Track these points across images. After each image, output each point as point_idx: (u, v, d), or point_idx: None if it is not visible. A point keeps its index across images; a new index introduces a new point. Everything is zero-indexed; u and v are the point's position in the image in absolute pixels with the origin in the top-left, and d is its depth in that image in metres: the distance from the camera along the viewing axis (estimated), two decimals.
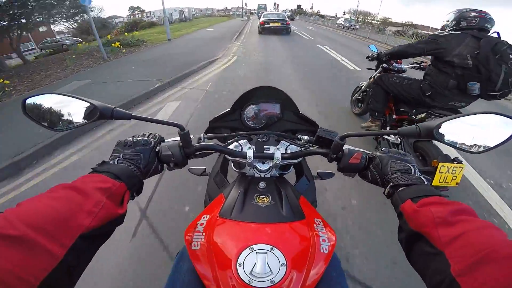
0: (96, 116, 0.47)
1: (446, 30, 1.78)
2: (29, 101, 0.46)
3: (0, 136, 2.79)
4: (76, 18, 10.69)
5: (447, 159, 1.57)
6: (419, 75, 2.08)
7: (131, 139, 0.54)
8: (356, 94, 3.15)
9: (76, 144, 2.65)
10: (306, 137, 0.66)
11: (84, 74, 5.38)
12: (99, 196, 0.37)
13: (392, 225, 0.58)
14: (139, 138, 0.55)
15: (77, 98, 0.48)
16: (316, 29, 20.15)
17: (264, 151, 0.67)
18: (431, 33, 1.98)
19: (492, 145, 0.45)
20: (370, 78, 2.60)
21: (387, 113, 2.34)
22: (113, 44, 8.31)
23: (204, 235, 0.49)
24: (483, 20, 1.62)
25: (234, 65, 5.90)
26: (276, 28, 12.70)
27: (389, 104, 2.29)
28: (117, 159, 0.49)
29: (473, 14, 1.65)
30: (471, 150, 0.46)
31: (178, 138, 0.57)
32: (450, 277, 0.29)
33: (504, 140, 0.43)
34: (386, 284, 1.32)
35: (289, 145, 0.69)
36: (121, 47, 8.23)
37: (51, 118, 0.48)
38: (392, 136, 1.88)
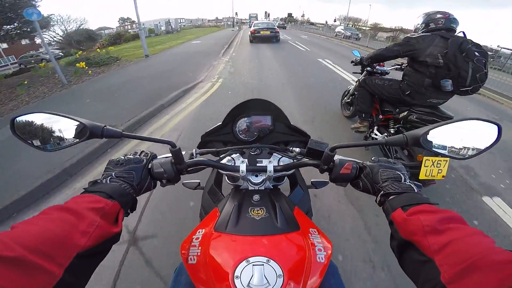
0: (86, 135, 0.47)
1: (418, 32, 1.90)
2: (19, 119, 0.46)
3: None
4: (25, 35, 9.29)
5: (431, 153, 1.42)
6: (401, 76, 2.12)
7: (123, 157, 0.55)
8: (345, 98, 3.25)
9: None
10: (297, 149, 0.68)
11: (30, 108, 4.09)
12: (93, 216, 0.37)
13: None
14: (131, 157, 0.55)
15: (66, 117, 0.47)
16: (310, 37, 19.16)
17: (257, 164, 0.69)
18: None
19: (478, 151, 0.46)
20: (356, 82, 2.71)
21: (373, 113, 2.42)
22: (77, 64, 7.04)
23: (200, 249, 0.49)
24: (448, 21, 1.76)
25: (218, 93, 4.48)
26: (266, 36, 12.91)
27: (375, 105, 2.38)
28: (109, 177, 0.49)
29: (438, 15, 1.80)
30: (458, 156, 0.47)
31: (170, 155, 0.57)
32: (440, 284, 0.30)
33: (490, 145, 0.45)
34: None
35: (281, 157, 0.70)
36: (86, 67, 6.95)
37: (42, 136, 0.47)
38: (379, 134, 2.27)
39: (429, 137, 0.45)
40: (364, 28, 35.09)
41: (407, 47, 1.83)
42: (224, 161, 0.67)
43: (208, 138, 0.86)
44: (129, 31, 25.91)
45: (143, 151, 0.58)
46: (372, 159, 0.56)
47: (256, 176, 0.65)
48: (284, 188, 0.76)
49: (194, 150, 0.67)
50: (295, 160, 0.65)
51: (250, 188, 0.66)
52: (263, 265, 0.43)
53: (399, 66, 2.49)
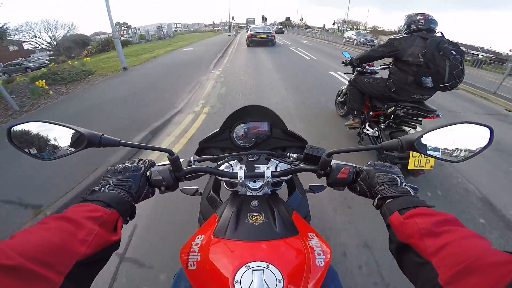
0: (84, 144, 0.47)
1: (401, 34, 2.03)
2: (15, 128, 0.46)
3: None
4: None
5: None
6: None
7: (120, 165, 0.54)
8: (339, 98, 3.38)
9: None
10: (294, 155, 0.69)
11: None
12: (91, 225, 0.37)
13: None
14: (129, 165, 0.55)
15: (63, 125, 0.47)
16: (311, 43, 17.99)
17: (255, 170, 0.70)
18: None
19: (471, 153, 0.46)
20: (348, 81, 2.83)
21: (365, 110, 2.55)
22: (36, 83, 5.76)
23: (200, 254, 0.50)
24: (427, 22, 1.89)
25: (198, 137, 2.90)
26: (262, 40, 13.70)
27: (366, 102, 2.50)
28: (107, 186, 0.48)
29: (418, 17, 1.93)
30: (451, 159, 0.47)
31: (169, 162, 0.57)
32: (438, 286, 0.30)
33: (483, 147, 0.45)
34: None
35: (279, 163, 0.71)
36: (46, 87, 5.68)
37: (39, 145, 0.47)
38: (370, 129, 2.37)
39: (423, 141, 0.46)
40: (364, 31, 34.13)
41: (391, 47, 1.97)
42: (222, 167, 0.69)
43: (206, 145, 0.87)
44: (124, 36, 24.44)
45: (141, 159, 0.59)
46: (369, 163, 0.57)
47: (254, 181, 0.67)
48: (282, 193, 0.77)
49: (192, 157, 0.68)
50: (292, 166, 0.67)
51: (249, 193, 0.67)
52: (263, 270, 0.43)
53: (388, 66, 2.56)
